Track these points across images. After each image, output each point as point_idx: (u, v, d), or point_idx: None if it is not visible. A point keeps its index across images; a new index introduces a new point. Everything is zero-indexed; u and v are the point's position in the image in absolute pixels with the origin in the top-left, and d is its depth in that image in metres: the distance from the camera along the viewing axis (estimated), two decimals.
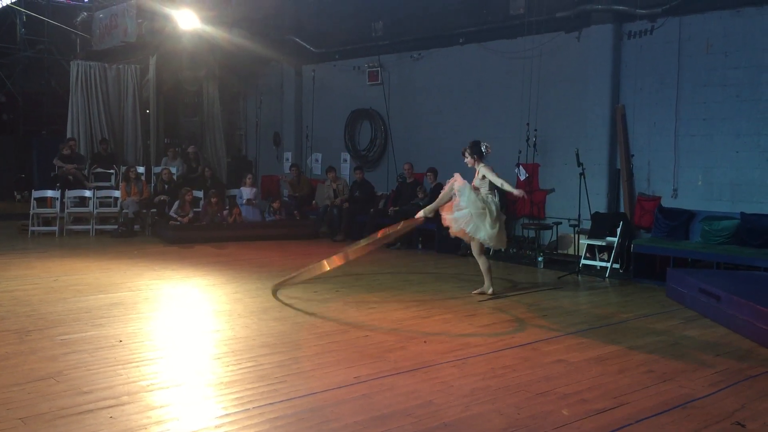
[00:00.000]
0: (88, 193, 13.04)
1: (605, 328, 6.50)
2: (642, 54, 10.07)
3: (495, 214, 7.51)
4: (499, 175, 7.55)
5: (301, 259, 10.38)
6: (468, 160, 7.81)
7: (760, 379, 5.01)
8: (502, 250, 8.79)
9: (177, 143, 16.60)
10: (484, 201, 7.54)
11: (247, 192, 13.07)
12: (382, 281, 8.60)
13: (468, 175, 7.88)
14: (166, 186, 13.31)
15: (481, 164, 7.71)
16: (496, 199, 7.63)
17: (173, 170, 14.19)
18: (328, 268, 7.82)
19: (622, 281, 8.99)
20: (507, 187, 7.51)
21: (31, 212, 12.43)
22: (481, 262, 7.81)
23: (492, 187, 7.62)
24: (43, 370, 4.88)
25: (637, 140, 10.18)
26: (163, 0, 14.16)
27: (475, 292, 7.86)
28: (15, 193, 18.62)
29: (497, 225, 7.52)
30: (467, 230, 7.56)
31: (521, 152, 11.05)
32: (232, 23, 14.54)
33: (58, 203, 12.70)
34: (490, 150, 7.78)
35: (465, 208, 7.52)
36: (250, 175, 13.54)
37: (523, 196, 7.81)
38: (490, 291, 7.80)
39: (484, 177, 7.61)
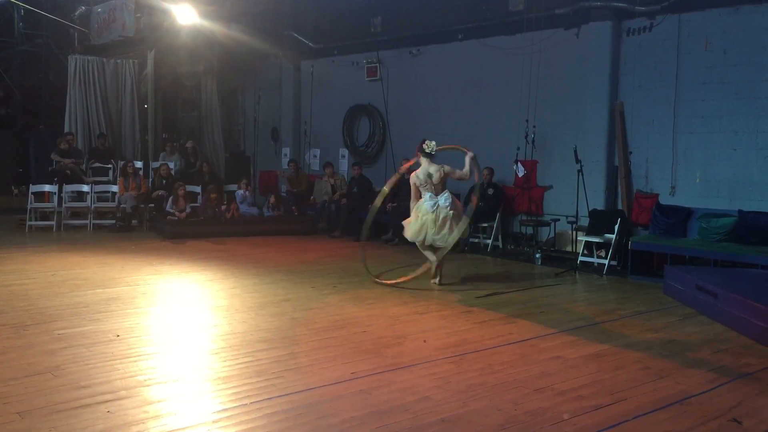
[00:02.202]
0: (85, 188, 13.02)
1: (602, 324, 6.51)
2: (641, 51, 10.06)
3: (430, 215, 7.89)
4: (414, 184, 8.06)
5: (299, 255, 10.41)
6: (422, 160, 8.07)
7: (757, 376, 5.02)
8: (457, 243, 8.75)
9: (175, 138, 16.59)
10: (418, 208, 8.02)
11: (240, 195, 13.17)
12: (379, 276, 8.59)
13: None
14: (164, 181, 13.30)
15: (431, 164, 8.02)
16: (426, 201, 7.93)
17: (171, 165, 14.17)
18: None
19: (620, 278, 9.00)
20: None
21: (29, 207, 12.41)
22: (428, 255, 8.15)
23: (429, 189, 7.99)
24: (41, 365, 4.87)
25: (635, 137, 10.18)
26: None
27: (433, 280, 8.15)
28: (12, 188, 18.57)
29: (435, 225, 7.88)
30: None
31: (519, 149, 11.05)
32: (231, 18, 14.51)
33: (55, 198, 12.68)
34: (430, 147, 8.02)
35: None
36: (244, 180, 13.67)
37: None
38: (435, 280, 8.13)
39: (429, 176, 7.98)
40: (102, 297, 7.13)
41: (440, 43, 12.71)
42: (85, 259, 9.42)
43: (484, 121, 11.76)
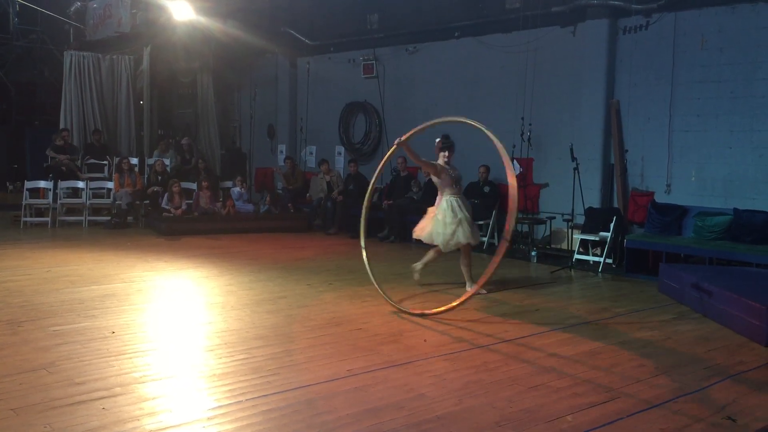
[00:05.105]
0: (81, 184, 12.99)
1: (597, 322, 6.52)
2: (637, 49, 10.08)
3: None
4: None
5: (295, 252, 10.40)
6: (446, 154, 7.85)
7: (752, 374, 5.04)
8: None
9: (171, 135, 16.55)
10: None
11: (236, 192, 13.17)
12: (375, 274, 8.58)
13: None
14: (160, 177, 13.28)
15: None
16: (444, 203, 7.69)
17: (167, 162, 14.14)
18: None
19: (615, 276, 9.02)
20: None
21: (24, 203, 12.38)
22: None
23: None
24: (36, 361, 4.87)
25: (631, 135, 10.20)
26: None
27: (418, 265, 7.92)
28: (7, 184, 18.52)
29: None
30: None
31: (515, 146, 11.05)
32: (227, 14, 14.48)
33: (50, 194, 12.66)
34: (439, 144, 8.05)
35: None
36: (240, 177, 13.65)
37: None
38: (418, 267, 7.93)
39: None
40: (97, 293, 7.11)
41: (437, 41, 12.71)
42: (80, 256, 9.40)
43: (479, 118, 11.57)
